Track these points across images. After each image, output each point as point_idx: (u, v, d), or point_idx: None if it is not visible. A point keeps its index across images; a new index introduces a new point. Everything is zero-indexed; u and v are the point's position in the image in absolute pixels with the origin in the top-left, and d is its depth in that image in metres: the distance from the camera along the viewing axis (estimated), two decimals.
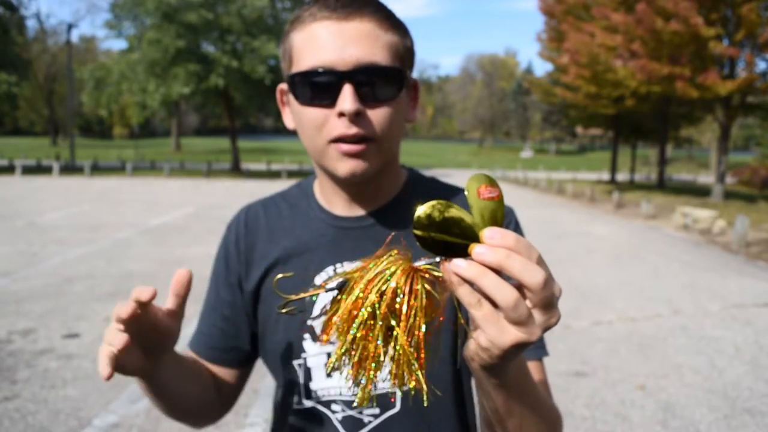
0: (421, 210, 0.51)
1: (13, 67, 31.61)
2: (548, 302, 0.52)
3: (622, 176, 35.75)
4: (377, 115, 0.84)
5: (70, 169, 31.20)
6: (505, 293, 0.50)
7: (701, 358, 4.73)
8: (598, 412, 3.76)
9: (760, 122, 26.20)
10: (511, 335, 0.52)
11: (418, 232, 0.51)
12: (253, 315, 0.98)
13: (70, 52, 37.42)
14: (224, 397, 1.01)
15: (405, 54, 0.88)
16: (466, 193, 0.53)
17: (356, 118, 0.82)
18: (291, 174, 31.18)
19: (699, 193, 23.30)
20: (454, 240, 0.52)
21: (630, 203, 18.54)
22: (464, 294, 0.51)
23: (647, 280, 7.58)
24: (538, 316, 0.52)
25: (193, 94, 29.36)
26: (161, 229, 11.09)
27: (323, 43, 0.81)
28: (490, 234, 0.51)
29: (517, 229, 0.96)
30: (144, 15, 28.36)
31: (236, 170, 32.87)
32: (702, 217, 12.41)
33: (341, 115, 0.82)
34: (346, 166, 0.85)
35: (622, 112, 26.66)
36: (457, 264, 0.51)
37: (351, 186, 0.91)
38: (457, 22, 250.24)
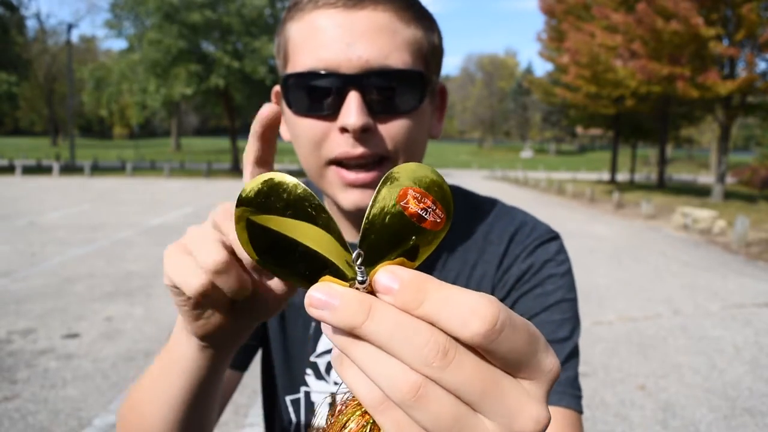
0: (255, 183, 0.34)
1: (13, 67, 31.68)
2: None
3: (622, 176, 35.78)
4: (392, 130, 0.67)
5: (70, 169, 31.20)
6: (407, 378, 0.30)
7: (701, 358, 4.72)
8: (598, 412, 3.76)
9: (760, 122, 26.21)
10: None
11: (248, 216, 0.34)
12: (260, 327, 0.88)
13: (70, 52, 37.41)
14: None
15: (430, 53, 0.71)
16: (381, 187, 0.33)
17: (363, 135, 0.66)
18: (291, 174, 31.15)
19: (699, 193, 23.30)
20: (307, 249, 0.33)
21: (630, 203, 18.54)
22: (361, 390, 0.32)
23: (647, 280, 7.58)
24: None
25: (194, 95, 29.40)
26: (161, 229, 11.08)
27: (326, 37, 0.65)
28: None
29: (564, 260, 0.78)
30: (144, 15, 28.39)
31: (236, 170, 32.87)
32: (702, 217, 12.41)
33: (344, 130, 0.66)
34: (350, 198, 0.69)
35: (622, 112, 26.68)
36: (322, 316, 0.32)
37: (358, 218, 0.74)
38: (457, 22, 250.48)
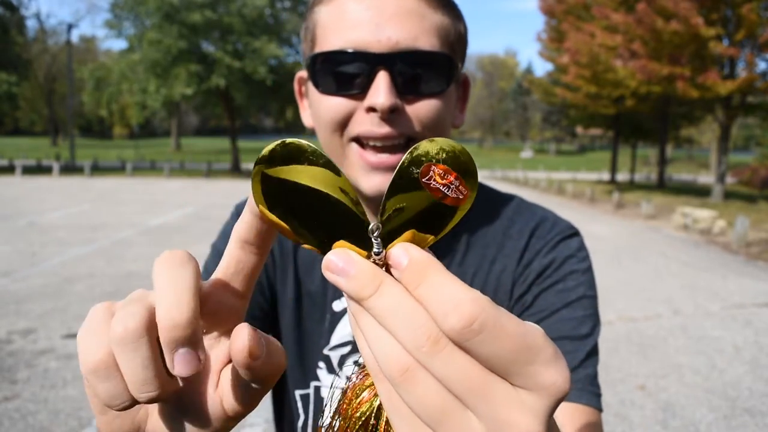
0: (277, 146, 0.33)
1: (13, 67, 31.70)
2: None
3: (622, 176, 35.76)
4: (420, 112, 0.67)
5: (70, 169, 31.20)
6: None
7: (701, 358, 4.72)
8: None
9: (760, 122, 26.22)
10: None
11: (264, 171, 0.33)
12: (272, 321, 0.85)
13: (70, 52, 37.42)
14: None
15: (456, 41, 0.72)
16: (406, 157, 0.32)
17: (390, 115, 0.65)
18: None
19: (699, 193, 23.29)
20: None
21: (630, 203, 18.53)
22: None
23: (647, 280, 7.57)
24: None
25: (194, 95, 29.40)
26: (161, 229, 11.08)
27: (355, 20, 0.65)
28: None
29: (583, 258, 0.76)
30: (144, 15, 28.39)
31: (236, 170, 32.87)
32: (702, 218, 12.40)
33: (371, 110, 0.65)
34: (373, 182, 0.67)
35: (622, 112, 26.69)
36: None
37: (378, 204, 0.68)
38: None
